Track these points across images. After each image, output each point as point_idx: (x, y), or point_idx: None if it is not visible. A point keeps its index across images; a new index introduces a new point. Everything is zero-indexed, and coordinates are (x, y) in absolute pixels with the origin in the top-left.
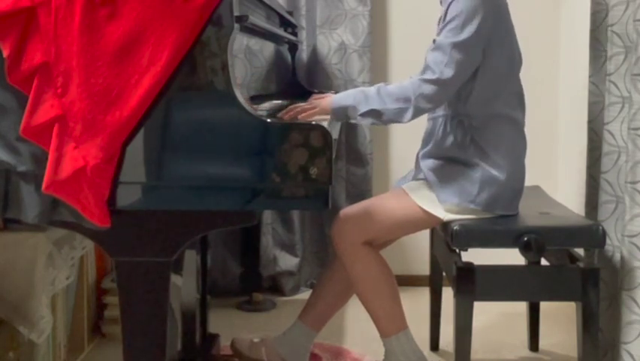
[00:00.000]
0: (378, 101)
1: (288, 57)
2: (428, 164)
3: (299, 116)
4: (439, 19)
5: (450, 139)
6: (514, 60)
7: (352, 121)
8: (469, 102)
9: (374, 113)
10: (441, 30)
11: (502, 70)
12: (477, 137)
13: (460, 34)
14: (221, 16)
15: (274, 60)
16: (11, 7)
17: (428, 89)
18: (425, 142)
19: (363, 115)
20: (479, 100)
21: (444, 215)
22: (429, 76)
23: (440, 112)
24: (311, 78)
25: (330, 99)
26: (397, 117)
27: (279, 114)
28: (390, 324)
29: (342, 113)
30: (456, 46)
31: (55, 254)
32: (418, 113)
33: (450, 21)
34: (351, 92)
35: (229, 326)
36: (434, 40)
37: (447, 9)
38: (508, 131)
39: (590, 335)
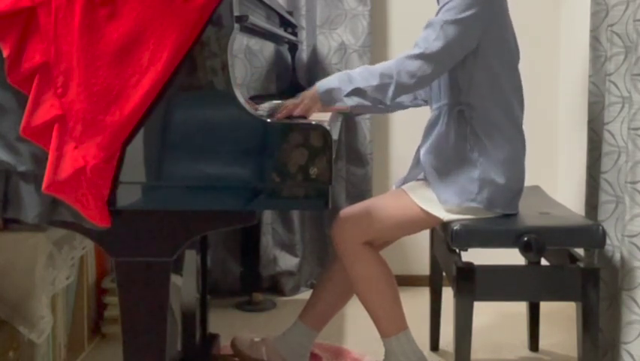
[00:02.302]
0: (361, 80)
1: (288, 57)
2: (429, 161)
3: (294, 113)
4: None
5: (451, 130)
6: (513, 53)
7: (338, 104)
8: (471, 92)
9: (358, 92)
10: (438, 11)
11: (502, 61)
12: (477, 129)
13: (456, 14)
14: (221, 16)
15: (274, 60)
16: (11, 7)
17: (411, 63)
18: (427, 133)
19: (348, 95)
20: (480, 91)
21: (444, 215)
22: (414, 51)
23: (444, 101)
24: (311, 78)
25: (316, 86)
26: (380, 95)
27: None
28: (391, 324)
29: (328, 97)
30: (448, 22)
31: (55, 254)
32: (400, 89)
33: (447, 2)
34: (335, 75)
35: (229, 326)
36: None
37: None
38: (507, 127)
39: (590, 335)
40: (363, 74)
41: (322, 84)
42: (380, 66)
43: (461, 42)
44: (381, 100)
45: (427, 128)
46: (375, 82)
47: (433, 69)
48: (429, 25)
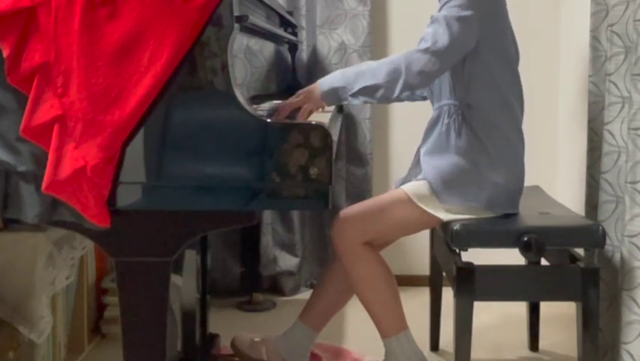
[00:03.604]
0: (369, 78)
1: (288, 57)
2: (429, 162)
3: (298, 117)
4: None
5: (451, 130)
6: (511, 54)
7: (344, 102)
8: (470, 93)
9: (366, 91)
10: (441, 7)
11: (501, 62)
12: (477, 129)
13: (459, 11)
14: (221, 16)
15: (274, 60)
16: (11, 7)
17: (419, 57)
18: (427, 133)
19: (355, 94)
20: (478, 91)
21: (444, 215)
22: (421, 46)
23: (444, 101)
24: (311, 78)
25: (318, 84)
26: (388, 91)
27: (274, 116)
28: (391, 325)
29: (332, 96)
30: (453, 19)
31: (55, 254)
32: (407, 85)
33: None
34: (338, 72)
35: (229, 326)
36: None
37: None
38: (506, 127)
39: (590, 335)
40: (369, 71)
41: (325, 82)
42: (387, 61)
43: (463, 40)
44: (388, 96)
45: (428, 129)
46: (383, 78)
47: (439, 65)
48: (434, 21)
